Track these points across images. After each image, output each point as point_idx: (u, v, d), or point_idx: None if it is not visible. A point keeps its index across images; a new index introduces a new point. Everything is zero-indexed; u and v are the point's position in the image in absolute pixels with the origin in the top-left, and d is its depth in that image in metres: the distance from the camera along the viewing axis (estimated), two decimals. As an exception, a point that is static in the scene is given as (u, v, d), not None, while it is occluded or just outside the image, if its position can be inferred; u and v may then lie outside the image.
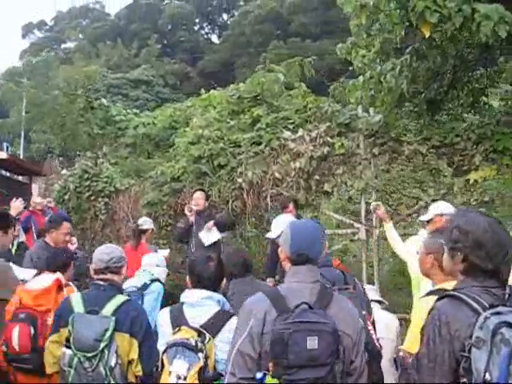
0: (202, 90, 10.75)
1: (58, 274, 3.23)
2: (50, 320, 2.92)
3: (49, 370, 2.75)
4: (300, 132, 6.77)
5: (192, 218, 5.74)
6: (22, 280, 3.40)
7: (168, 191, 7.30)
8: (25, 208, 5.88)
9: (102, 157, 8.72)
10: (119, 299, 2.74)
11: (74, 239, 4.86)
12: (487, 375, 1.54)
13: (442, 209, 3.85)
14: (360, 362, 1.98)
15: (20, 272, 3.53)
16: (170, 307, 2.68)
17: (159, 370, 2.35)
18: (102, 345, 2.53)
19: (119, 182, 7.95)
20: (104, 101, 10.33)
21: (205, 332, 2.38)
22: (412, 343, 2.14)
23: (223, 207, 6.86)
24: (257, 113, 7.40)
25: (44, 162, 17.83)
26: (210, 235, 5.63)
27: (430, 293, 2.36)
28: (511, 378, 1.49)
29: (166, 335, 2.48)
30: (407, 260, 3.90)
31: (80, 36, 49.29)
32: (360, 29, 6.09)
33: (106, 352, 2.53)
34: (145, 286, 4.25)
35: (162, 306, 3.68)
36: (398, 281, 7.53)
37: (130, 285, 4.33)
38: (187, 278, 2.71)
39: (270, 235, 3.63)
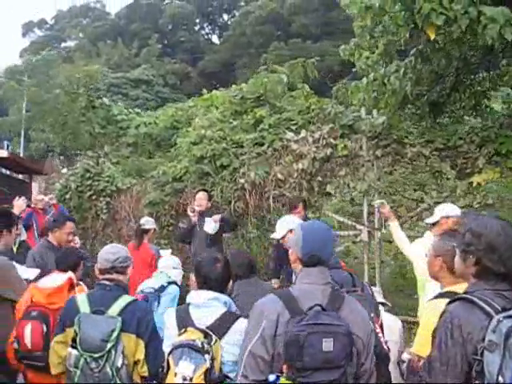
0: (204, 90, 10.74)
1: (70, 273, 3.22)
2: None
3: (54, 370, 2.73)
4: (303, 133, 6.75)
5: (195, 219, 5.74)
6: (26, 279, 3.39)
7: (170, 191, 7.29)
8: (27, 206, 5.87)
9: (104, 156, 8.70)
10: (125, 299, 2.72)
11: (77, 239, 4.85)
12: (500, 378, 1.55)
13: (447, 211, 3.84)
14: (370, 365, 1.98)
15: (23, 271, 3.52)
16: (176, 308, 2.67)
17: (165, 371, 2.33)
18: (109, 345, 2.51)
19: (121, 181, 7.93)
20: (105, 100, 10.33)
21: (211, 333, 2.35)
22: (422, 346, 2.12)
23: (225, 208, 6.84)
24: (260, 113, 7.39)
25: (44, 160, 17.79)
26: (215, 226, 5.65)
27: (439, 295, 2.35)
28: (524, 381, 1.50)
29: (171, 336, 2.45)
30: (414, 261, 3.89)
31: (80, 35, 49.24)
32: (364, 30, 6.09)
33: (113, 352, 2.51)
34: (162, 288, 4.31)
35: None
36: (398, 283, 7.54)
37: (147, 285, 4.38)
38: (191, 276, 2.69)
39: (275, 236, 3.62)
